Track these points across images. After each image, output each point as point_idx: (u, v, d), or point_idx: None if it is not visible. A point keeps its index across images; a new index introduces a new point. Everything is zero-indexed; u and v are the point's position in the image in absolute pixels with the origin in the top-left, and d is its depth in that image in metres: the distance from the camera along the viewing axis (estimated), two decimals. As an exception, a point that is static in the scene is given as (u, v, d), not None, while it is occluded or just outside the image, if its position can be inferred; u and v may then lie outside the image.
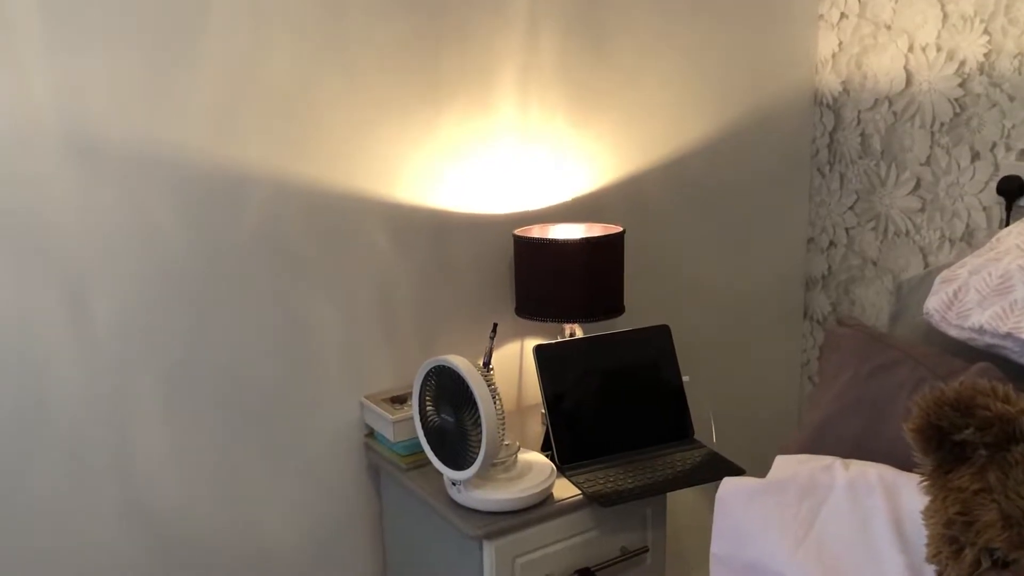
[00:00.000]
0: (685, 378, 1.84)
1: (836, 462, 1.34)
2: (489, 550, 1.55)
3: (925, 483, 1.05)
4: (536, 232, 1.88)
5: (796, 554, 1.27)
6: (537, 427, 1.92)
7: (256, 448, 1.74)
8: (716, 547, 1.37)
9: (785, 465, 1.38)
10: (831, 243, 2.38)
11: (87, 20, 1.46)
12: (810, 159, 2.39)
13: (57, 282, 1.51)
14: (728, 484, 1.40)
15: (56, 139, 1.47)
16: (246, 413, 1.72)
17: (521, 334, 1.99)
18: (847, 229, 2.33)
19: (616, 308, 1.85)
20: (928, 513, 1.03)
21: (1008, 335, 1.34)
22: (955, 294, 1.44)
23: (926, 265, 2.13)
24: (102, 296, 1.55)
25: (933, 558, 1.01)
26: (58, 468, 1.56)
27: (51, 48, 1.44)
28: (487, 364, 1.65)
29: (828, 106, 2.32)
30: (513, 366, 2.00)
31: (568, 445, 1.73)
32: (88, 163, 1.50)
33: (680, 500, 2.22)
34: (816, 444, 1.45)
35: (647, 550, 1.71)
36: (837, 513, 1.27)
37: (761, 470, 1.45)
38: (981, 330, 1.38)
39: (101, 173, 1.51)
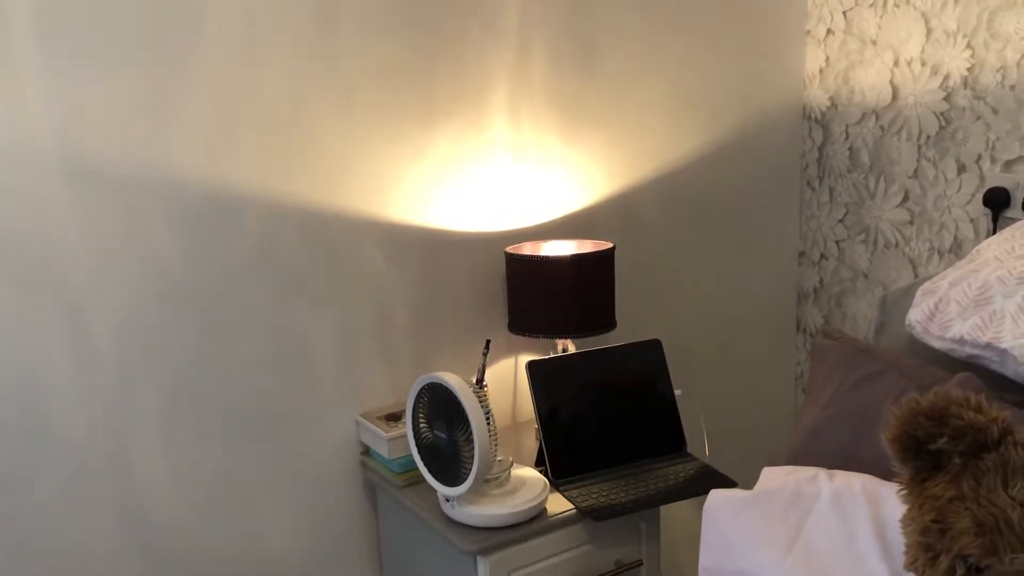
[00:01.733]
0: (677, 392, 1.86)
1: (821, 473, 1.36)
2: (484, 565, 1.57)
3: (903, 492, 1.07)
4: (528, 249, 1.91)
5: (783, 564, 1.29)
6: (531, 442, 1.94)
7: (253, 465, 1.77)
8: (705, 559, 1.39)
9: (772, 476, 1.40)
10: (822, 256, 2.40)
11: (84, 44, 1.49)
12: (800, 173, 2.42)
13: (56, 302, 1.54)
14: (715, 496, 1.41)
15: (54, 160, 1.50)
16: (243, 431, 1.75)
17: (515, 350, 2.01)
18: (837, 242, 2.35)
19: (608, 323, 1.88)
20: (906, 521, 1.05)
21: (988, 345, 1.36)
22: (936, 306, 1.46)
23: (916, 276, 2.15)
24: (101, 315, 1.58)
25: (910, 565, 1.03)
26: (58, 485, 1.59)
27: (49, 71, 1.47)
28: (480, 380, 1.68)
29: (816, 120, 2.35)
30: (507, 382, 2.02)
31: (562, 460, 1.75)
32: (86, 184, 1.53)
33: (674, 513, 2.24)
34: (803, 454, 1.47)
35: (641, 563, 1.73)
36: (823, 523, 1.29)
37: (754, 482, 1.46)
38: (962, 341, 1.40)
39: (99, 194, 1.55)
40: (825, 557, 1.26)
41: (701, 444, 1.90)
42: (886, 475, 1.30)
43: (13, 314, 1.51)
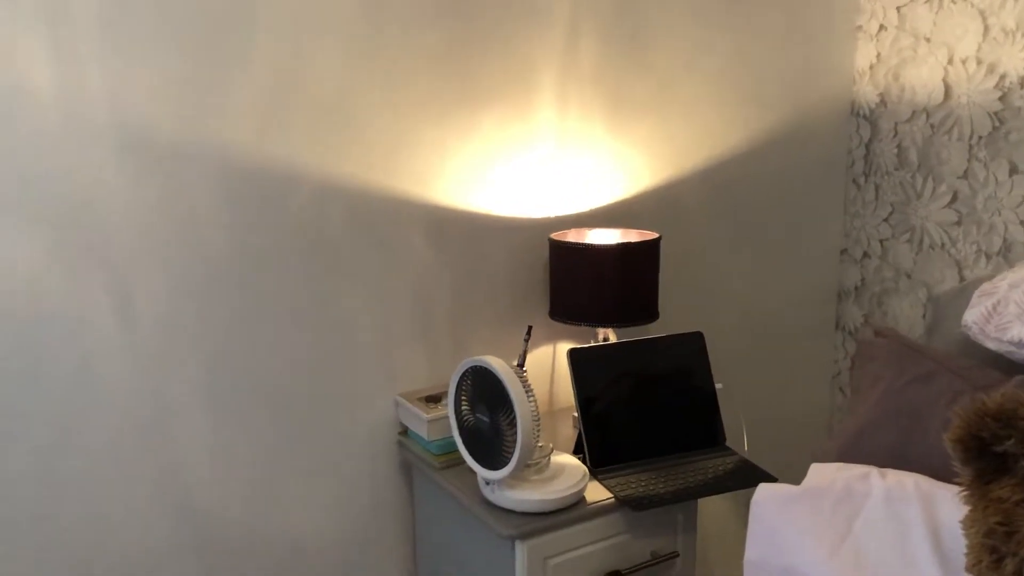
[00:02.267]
0: (718, 385, 1.85)
1: (873, 471, 1.35)
2: (521, 550, 1.56)
3: (965, 493, 1.05)
4: (572, 236, 1.89)
5: (831, 562, 1.27)
6: (568, 430, 1.93)
7: (291, 444, 1.77)
8: (750, 553, 1.38)
9: (821, 473, 1.39)
10: (865, 254, 2.38)
11: (142, 22, 1.49)
12: (846, 170, 2.39)
13: (103, 275, 1.54)
14: (764, 490, 1.40)
15: (108, 135, 1.50)
16: (283, 409, 1.75)
17: (554, 337, 2.00)
18: (881, 241, 2.33)
19: (650, 314, 1.86)
20: (968, 523, 1.04)
21: (1048, 349, 1.34)
22: (994, 307, 1.44)
23: (961, 279, 2.12)
24: (146, 289, 1.58)
25: (973, 567, 1.01)
26: (99, 461, 1.59)
27: (106, 46, 1.47)
28: (521, 366, 1.67)
29: (865, 117, 2.32)
30: (546, 368, 2.01)
31: (600, 448, 1.74)
32: (137, 158, 1.53)
33: (709, 507, 2.23)
34: (852, 453, 1.46)
35: (677, 555, 1.72)
36: (873, 522, 1.28)
37: (791, 478, 1.45)
38: (1020, 343, 1.38)
39: (149, 168, 1.55)
40: (875, 556, 1.25)
41: (740, 438, 1.89)
42: (937, 476, 1.29)
43: (61, 287, 1.51)
